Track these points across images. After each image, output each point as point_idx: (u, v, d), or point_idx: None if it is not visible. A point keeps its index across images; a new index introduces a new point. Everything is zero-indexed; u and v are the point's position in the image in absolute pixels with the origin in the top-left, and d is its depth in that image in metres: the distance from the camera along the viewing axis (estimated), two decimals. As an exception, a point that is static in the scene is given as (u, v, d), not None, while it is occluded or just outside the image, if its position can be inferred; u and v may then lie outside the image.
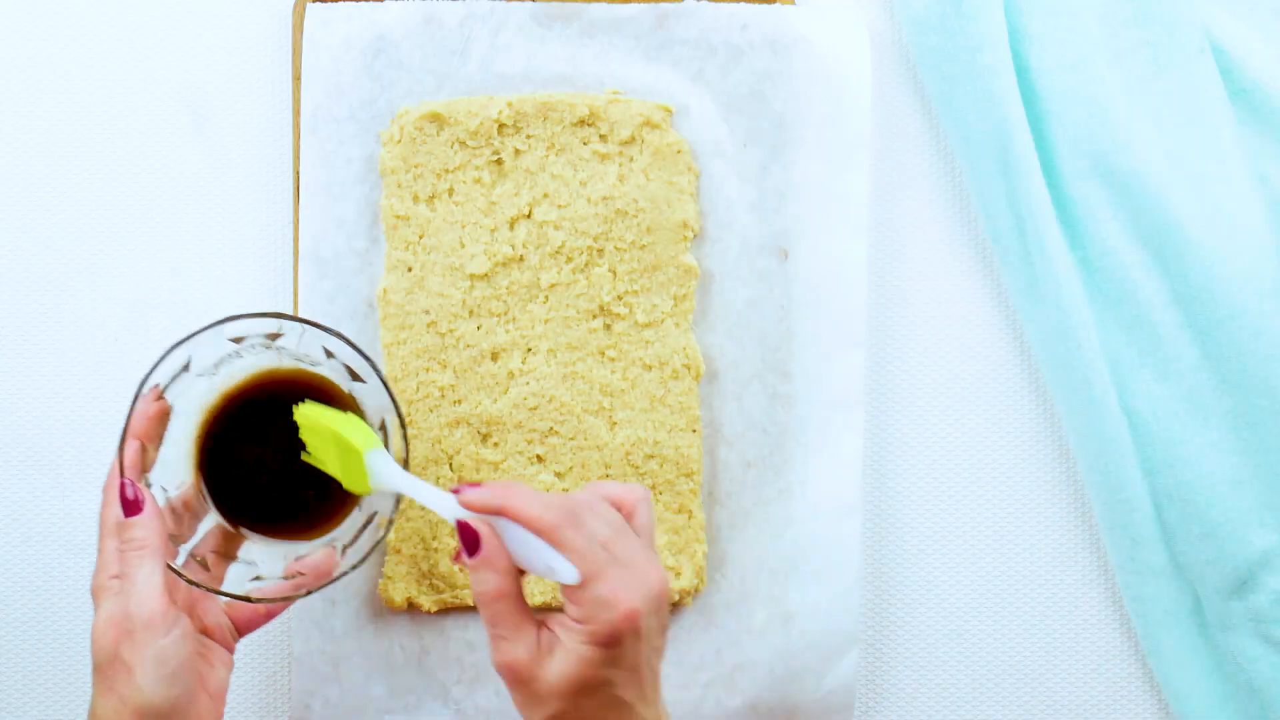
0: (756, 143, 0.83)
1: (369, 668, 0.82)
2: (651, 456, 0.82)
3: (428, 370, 0.82)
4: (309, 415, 0.71)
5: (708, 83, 0.83)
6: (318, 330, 0.70)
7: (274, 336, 0.71)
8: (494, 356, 0.82)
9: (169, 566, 0.68)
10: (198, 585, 0.69)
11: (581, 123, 0.82)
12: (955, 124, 0.84)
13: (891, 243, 0.86)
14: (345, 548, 0.73)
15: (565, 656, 0.64)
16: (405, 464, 0.71)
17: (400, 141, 0.82)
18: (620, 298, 0.82)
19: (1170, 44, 0.83)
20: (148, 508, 0.67)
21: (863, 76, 0.83)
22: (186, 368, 0.70)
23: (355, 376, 0.72)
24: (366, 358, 0.70)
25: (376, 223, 0.83)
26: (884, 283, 0.86)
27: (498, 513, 0.65)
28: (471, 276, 0.82)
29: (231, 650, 0.72)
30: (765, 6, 0.83)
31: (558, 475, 0.82)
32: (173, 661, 0.65)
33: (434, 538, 0.82)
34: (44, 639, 0.85)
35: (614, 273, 0.82)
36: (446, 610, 0.83)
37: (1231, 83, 0.84)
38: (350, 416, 0.71)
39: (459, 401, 0.82)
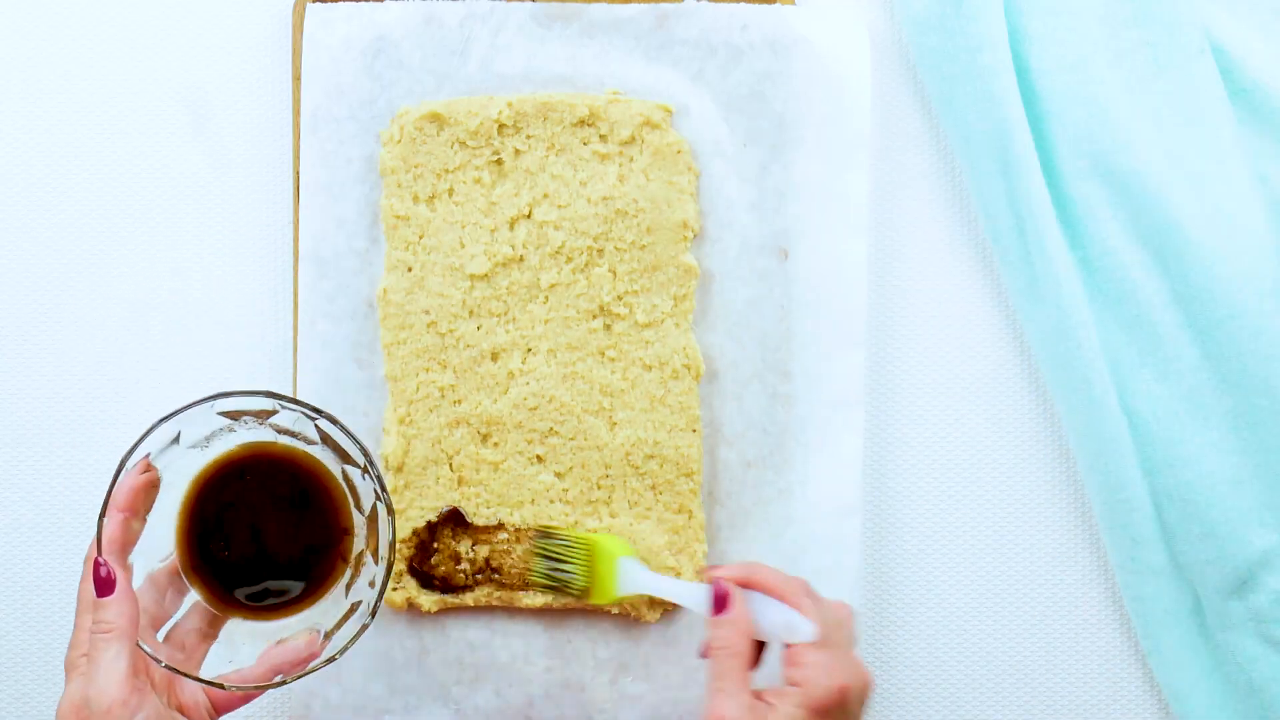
0: (756, 143, 0.83)
1: (369, 668, 0.82)
2: (651, 457, 0.82)
3: (428, 370, 0.82)
4: (548, 537, 0.79)
5: (708, 83, 0.83)
6: (311, 413, 0.69)
7: (266, 414, 0.70)
8: (494, 357, 0.82)
9: (142, 648, 0.66)
10: (171, 669, 0.67)
11: (581, 123, 0.82)
12: (955, 124, 0.84)
13: (891, 243, 0.86)
14: (328, 634, 0.71)
15: (785, 708, 0.67)
16: (389, 568, 0.70)
17: (400, 141, 0.82)
18: (620, 298, 0.82)
19: (1170, 44, 0.83)
20: (119, 590, 0.65)
21: (863, 76, 0.83)
22: (176, 440, 0.69)
23: (347, 459, 0.71)
24: (358, 443, 0.69)
25: (376, 223, 0.83)
26: (884, 283, 0.86)
27: (745, 582, 0.71)
28: (471, 276, 0.82)
29: None
30: (765, 6, 0.83)
31: (558, 475, 0.82)
32: None
33: (434, 540, 0.82)
34: (42, 641, 0.85)
35: (614, 273, 0.82)
36: (446, 610, 0.83)
37: (1231, 83, 0.84)
38: (605, 535, 0.79)
39: (459, 401, 0.82)
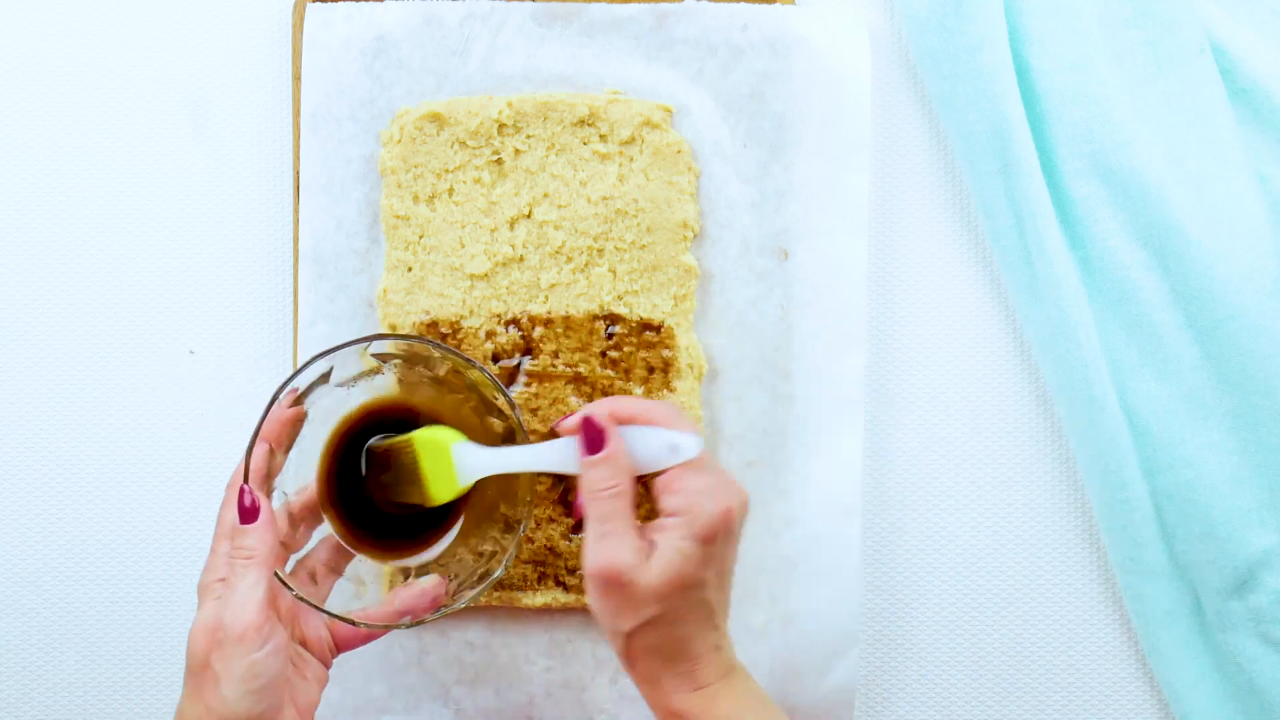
0: (756, 143, 0.83)
1: (369, 668, 0.82)
2: None
3: (428, 370, 0.82)
4: (377, 447, 0.72)
5: (708, 83, 0.83)
6: (466, 361, 0.69)
7: (420, 359, 0.71)
8: (495, 359, 0.82)
9: (276, 576, 0.67)
10: (303, 599, 0.68)
11: (581, 123, 0.82)
12: (955, 124, 0.84)
13: (891, 243, 0.86)
14: (460, 586, 0.71)
15: (666, 555, 0.65)
16: (530, 502, 0.70)
17: (400, 141, 0.82)
18: (621, 298, 0.82)
19: (1170, 44, 0.83)
20: (263, 517, 0.66)
21: (863, 76, 0.83)
22: (326, 378, 0.70)
23: (491, 410, 0.72)
24: (506, 395, 0.69)
25: (376, 223, 0.83)
26: (884, 283, 0.86)
27: (610, 416, 0.68)
28: (471, 276, 0.82)
29: (328, 665, 0.71)
30: (765, 6, 0.83)
31: (558, 476, 0.82)
32: (262, 677, 0.65)
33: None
34: (47, 638, 0.85)
35: (614, 273, 0.82)
36: (446, 610, 0.83)
37: (1231, 83, 0.84)
38: (428, 428, 0.71)
39: (459, 402, 0.82)
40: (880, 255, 0.86)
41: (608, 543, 0.66)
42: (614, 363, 0.82)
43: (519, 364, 0.82)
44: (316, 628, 0.71)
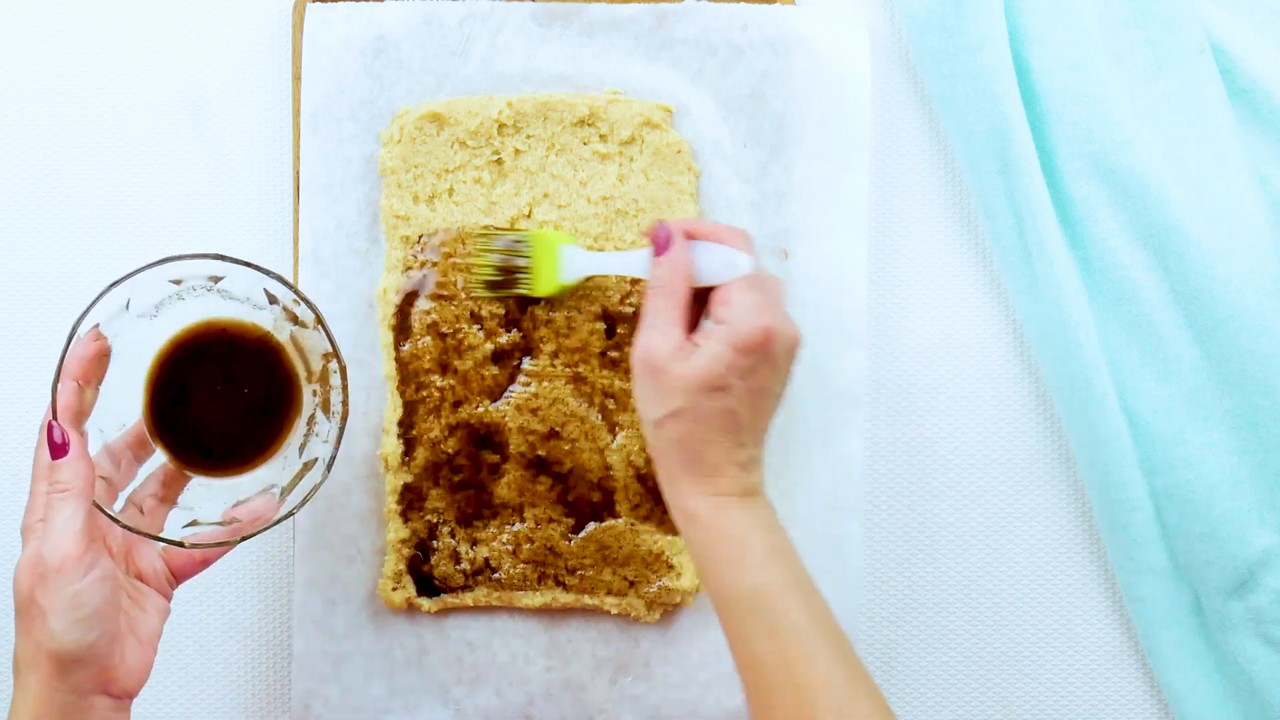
0: (756, 143, 0.83)
1: (369, 668, 0.82)
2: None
3: (428, 372, 0.81)
4: (489, 236, 0.80)
5: (708, 83, 0.83)
6: (258, 273, 0.69)
7: (216, 279, 0.71)
8: (496, 359, 0.82)
9: (100, 509, 0.67)
10: (129, 529, 0.68)
11: (581, 123, 0.82)
12: (955, 124, 0.84)
13: (891, 243, 0.86)
14: (284, 493, 0.72)
15: (701, 354, 0.69)
16: (344, 420, 0.71)
17: (400, 141, 0.82)
18: (622, 298, 0.82)
19: (1170, 44, 0.83)
20: (73, 450, 0.66)
21: (863, 76, 0.83)
22: (126, 308, 0.69)
23: (296, 321, 0.73)
24: (307, 302, 0.70)
25: (376, 223, 0.83)
26: (884, 283, 0.86)
27: (688, 232, 0.73)
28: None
29: (168, 596, 0.71)
30: (765, 6, 0.83)
31: (559, 477, 0.82)
32: (87, 606, 0.64)
33: (434, 539, 0.82)
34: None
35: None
36: (446, 610, 0.83)
37: (1231, 83, 0.84)
38: (540, 229, 0.81)
39: (460, 403, 0.82)
40: (880, 255, 0.86)
41: (653, 333, 0.71)
42: (614, 363, 0.82)
43: (519, 364, 0.82)
44: (151, 560, 0.71)
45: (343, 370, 0.71)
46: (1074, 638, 0.86)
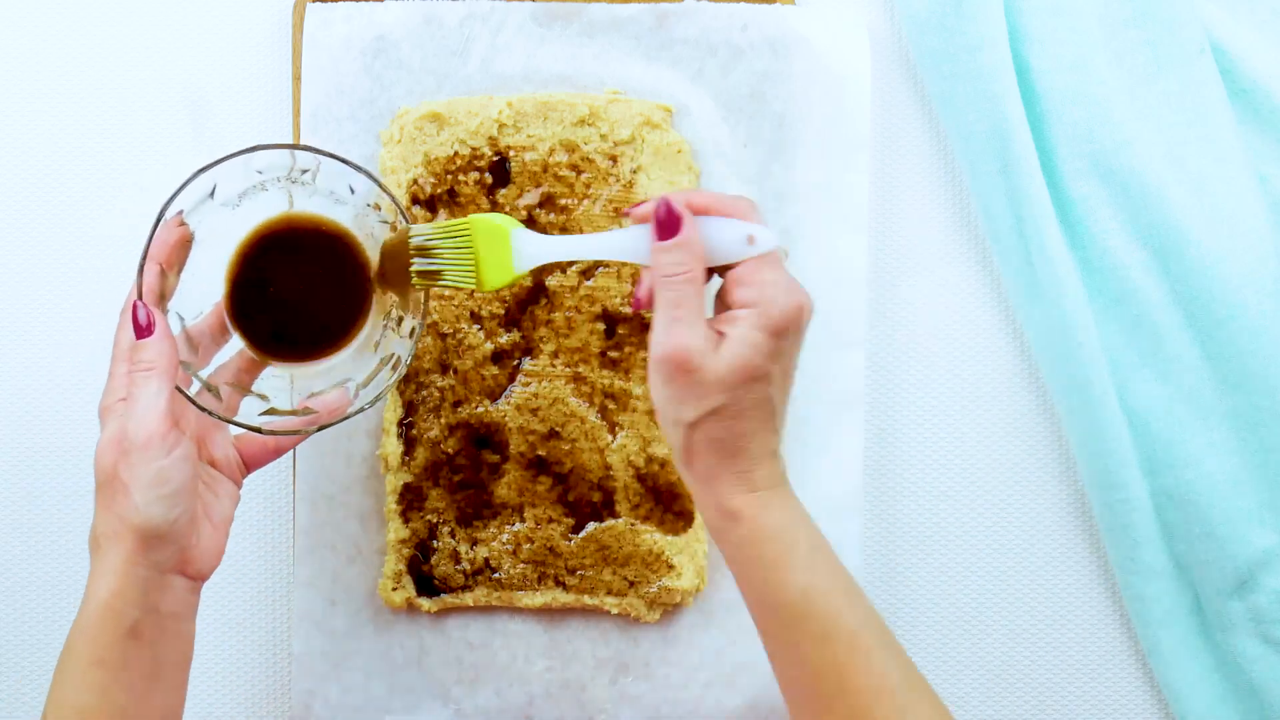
0: (756, 143, 0.83)
1: (369, 668, 0.82)
2: (653, 458, 0.82)
3: (429, 372, 0.81)
4: (422, 231, 0.71)
5: (708, 83, 0.83)
6: (342, 164, 0.69)
7: (301, 171, 0.71)
8: (496, 359, 0.82)
9: (178, 390, 0.67)
10: (206, 411, 0.68)
11: (581, 123, 0.82)
12: (955, 124, 0.84)
13: (891, 243, 0.86)
14: (359, 388, 0.72)
15: (735, 344, 0.64)
16: (424, 317, 0.71)
17: (400, 141, 0.82)
18: (623, 298, 0.82)
19: (1170, 44, 0.83)
20: (158, 330, 0.66)
21: (863, 76, 0.83)
22: (211, 196, 0.70)
23: (379, 216, 0.72)
24: (392, 196, 0.70)
25: (376, 223, 0.83)
26: (884, 282, 0.86)
27: (685, 205, 0.67)
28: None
29: (239, 484, 0.72)
30: (765, 6, 0.83)
31: (559, 477, 0.82)
32: (171, 483, 0.65)
33: (434, 539, 0.82)
34: (47, 638, 0.85)
35: (616, 273, 0.82)
36: (446, 610, 0.83)
37: (1231, 83, 0.84)
38: (484, 214, 0.71)
39: (460, 404, 0.82)
40: (880, 255, 0.86)
41: (679, 328, 0.64)
42: (614, 363, 0.82)
43: (519, 364, 0.82)
44: (224, 447, 0.71)
45: (426, 302, 0.70)
46: (1074, 637, 0.86)
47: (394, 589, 0.82)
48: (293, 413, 0.72)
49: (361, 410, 0.70)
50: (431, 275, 0.71)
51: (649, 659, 0.83)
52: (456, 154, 0.82)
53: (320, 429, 0.70)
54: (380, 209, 0.72)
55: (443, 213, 0.81)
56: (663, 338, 0.65)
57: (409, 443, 0.82)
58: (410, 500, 0.82)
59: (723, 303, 0.68)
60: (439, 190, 0.82)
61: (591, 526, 0.82)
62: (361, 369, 0.74)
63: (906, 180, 0.86)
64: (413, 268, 0.71)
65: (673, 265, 0.66)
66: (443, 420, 0.82)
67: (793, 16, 0.83)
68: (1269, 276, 0.81)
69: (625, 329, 0.82)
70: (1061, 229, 0.83)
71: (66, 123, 0.85)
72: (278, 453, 0.73)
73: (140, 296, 0.67)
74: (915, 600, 0.86)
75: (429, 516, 0.82)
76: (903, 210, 0.86)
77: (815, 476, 0.83)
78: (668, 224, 0.66)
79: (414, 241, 0.70)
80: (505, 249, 0.70)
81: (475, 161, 0.82)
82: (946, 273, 0.86)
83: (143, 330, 0.67)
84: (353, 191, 0.72)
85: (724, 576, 0.83)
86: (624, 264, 0.81)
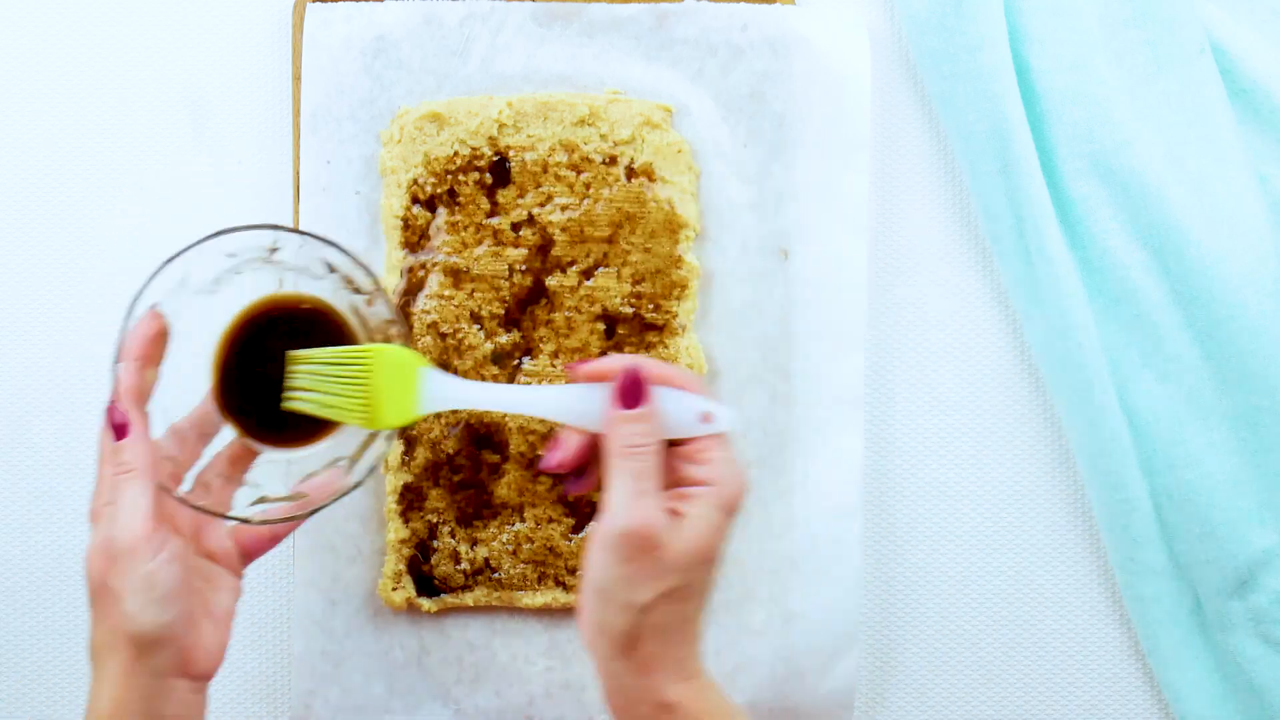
0: (756, 143, 0.83)
1: (369, 668, 0.82)
2: None
3: (428, 370, 0.82)
4: (309, 355, 0.67)
5: (708, 83, 0.83)
6: (316, 241, 0.67)
7: (272, 250, 0.69)
8: (496, 359, 0.82)
9: (164, 490, 0.65)
10: (196, 508, 0.66)
11: (581, 122, 0.82)
12: (955, 124, 0.84)
13: (891, 243, 0.86)
14: (351, 462, 0.71)
15: (696, 523, 0.63)
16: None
17: (400, 141, 0.82)
18: (623, 299, 0.82)
19: (1170, 44, 0.83)
20: (134, 431, 0.64)
21: (863, 76, 0.83)
22: (183, 284, 0.68)
23: (356, 290, 0.70)
24: (366, 269, 0.68)
25: (376, 223, 0.83)
26: (884, 283, 0.86)
27: (632, 373, 0.65)
28: (473, 277, 0.82)
29: (239, 575, 0.70)
30: (765, 6, 0.83)
31: (559, 477, 0.82)
32: (160, 586, 0.63)
33: (434, 539, 0.82)
34: (46, 635, 0.85)
35: (616, 273, 0.82)
36: (446, 610, 0.83)
37: (1231, 83, 0.84)
38: (388, 345, 0.67)
39: (459, 402, 0.82)
40: (880, 255, 0.86)
41: (643, 501, 0.62)
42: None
43: (519, 364, 0.82)
44: (220, 539, 0.69)
45: (406, 336, 0.68)
46: (1074, 638, 0.86)
47: (394, 589, 0.82)
48: (287, 498, 0.70)
49: (358, 485, 0.68)
50: (308, 401, 0.68)
51: (649, 659, 0.83)
52: (456, 154, 0.82)
53: (314, 512, 0.68)
54: (355, 283, 0.70)
55: (442, 213, 0.81)
56: (626, 511, 0.62)
57: (409, 442, 0.82)
58: (410, 500, 0.82)
59: (669, 477, 0.66)
60: (439, 190, 0.82)
61: (592, 526, 0.82)
62: (351, 444, 0.72)
63: (906, 180, 0.86)
64: (285, 392, 0.68)
65: (636, 436, 0.64)
66: (443, 420, 0.82)
67: (793, 16, 0.83)
68: (1269, 276, 0.81)
69: (625, 329, 0.82)
70: (1061, 229, 0.83)
71: (66, 123, 0.85)
72: (275, 540, 0.71)
73: (117, 396, 0.65)
74: (915, 601, 0.86)
75: (429, 517, 0.82)
76: (903, 210, 0.86)
77: (815, 477, 0.83)
78: (632, 392, 0.64)
79: (296, 368, 0.67)
80: (410, 387, 0.67)
81: (475, 161, 0.82)
82: (946, 273, 0.86)
83: (119, 431, 0.65)
84: (331, 269, 0.70)
85: (723, 576, 0.83)
86: (624, 266, 0.81)
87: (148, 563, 0.63)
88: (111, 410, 0.65)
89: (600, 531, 0.63)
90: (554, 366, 0.81)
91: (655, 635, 0.63)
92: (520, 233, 0.82)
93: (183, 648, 0.65)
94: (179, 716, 0.65)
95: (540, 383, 0.81)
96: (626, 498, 0.63)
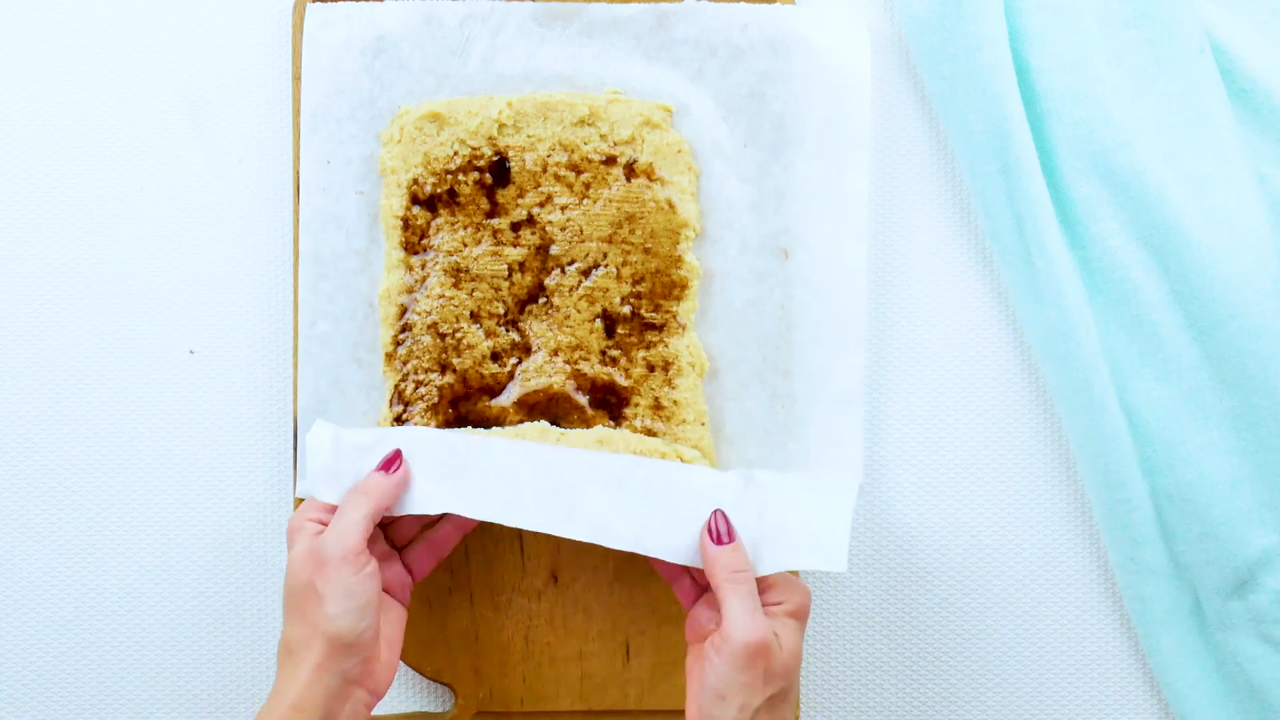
0: (756, 143, 0.83)
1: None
2: (664, 455, 0.82)
3: (428, 371, 0.81)
4: None
5: (708, 83, 0.83)
6: None
7: None
8: (495, 358, 0.82)
9: (382, 524, 0.76)
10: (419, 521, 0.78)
11: (581, 123, 0.82)
12: (955, 124, 0.84)
13: (891, 243, 0.86)
14: None
15: (790, 634, 0.72)
16: None
17: (400, 141, 0.82)
18: (622, 298, 0.82)
19: (1170, 44, 0.83)
20: (399, 474, 0.75)
21: (863, 76, 0.83)
22: None
23: None
24: None
25: (376, 223, 0.83)
26: (884, 283, 0.86)
27: (720, 512, 0.75)
28: (473, 277, 0.82)
29: (406, 605, 0.77)
30: (765, 6, 0.83)
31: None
32: (361, 597, 0.71)
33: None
34: (44, 634, 0.85)
35: (616, 273, 0.82)
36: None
37: (1231, 83, 0.84)
38: None
39: (458, 400, 0.82)
40: (880, 255, 0.86)
41: (758, 618, 0.71)
42: (613, 361, 0.82)
43: (519, 362, 0.82)
44: (396, 572, 0.77)
45: None
46: (1074, 638, 0.86)
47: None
48: None
49: None
50: None
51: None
52: (456, 154, 0.82)
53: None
54: None
55: (442, 213, 0.81)
56: (750, 626, 0.71)
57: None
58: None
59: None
60: (439, 190, 0.82)
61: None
62: None
63: (906, 180, 0.86)
64: None
65: (740, 562, 0.73)
66: (440, 418, 0.81)
67: (793, 16, 0.83)
68: (1269, 276, 0.81)
69: (625, 328, 0.82)
70: (1061, 229, 0.83)
71: (66, 123, 0.85)
72: (441, 556, 0.79)
73: (398, 451, 0.76)
74: (915, 600, 0.86)
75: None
76: (903, 210, 0.86)
77: (815, 476, 0.83)
78: (724, 529, 0.74)
79: None
80: None
81: (475, 161, 0.82)
82: (946, 273, 0.86)
83: (388, 464, 0.75)
84: None
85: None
86: (624, 265, 0.81)
87: (353, 574, 0.71)
88: (397, 456, 0.75)
89: (723, 644, 0.71)
90: (552, 364, 0.81)
91: None
92: (520, 233, 0.82)
93: (369, 659, 0.72)
94: None
95: (540, 379, 0.81)
96: (746, 613, 0.71)
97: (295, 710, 0.70)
